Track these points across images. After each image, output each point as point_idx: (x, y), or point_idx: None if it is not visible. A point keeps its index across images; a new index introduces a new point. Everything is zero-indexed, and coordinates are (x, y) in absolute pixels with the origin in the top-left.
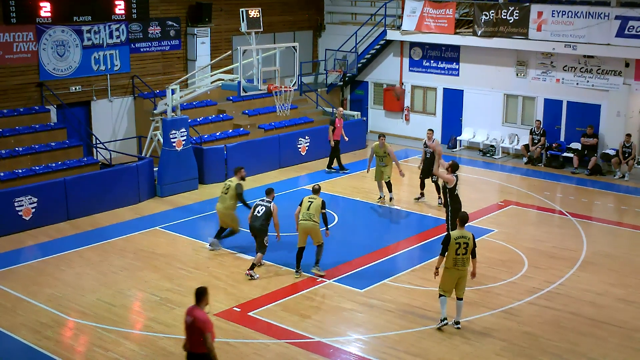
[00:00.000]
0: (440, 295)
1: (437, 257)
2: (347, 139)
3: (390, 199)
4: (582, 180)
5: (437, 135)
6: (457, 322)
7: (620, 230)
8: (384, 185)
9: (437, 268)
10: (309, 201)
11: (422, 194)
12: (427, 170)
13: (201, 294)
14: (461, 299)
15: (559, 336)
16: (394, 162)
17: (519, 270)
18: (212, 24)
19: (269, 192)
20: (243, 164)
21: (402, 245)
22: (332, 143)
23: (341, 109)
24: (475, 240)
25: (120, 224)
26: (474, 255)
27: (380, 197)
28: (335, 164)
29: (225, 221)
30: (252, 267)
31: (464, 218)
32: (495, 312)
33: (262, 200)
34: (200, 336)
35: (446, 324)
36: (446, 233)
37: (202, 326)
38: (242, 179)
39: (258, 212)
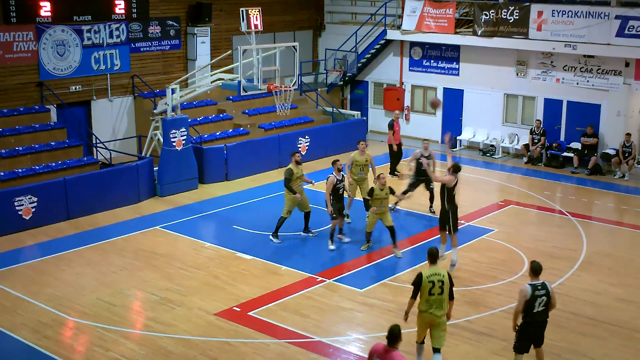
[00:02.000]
0: (417, 342)
1: (408, 300)
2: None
3: (347, 216)
4: (582, 180)
5: (437, 135)
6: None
7: (621, 230)
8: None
9: (406, 313)
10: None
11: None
12: (417, 182)
13: (397, 336)
14: (438, 352)
15: (559, 336)
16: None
17: (519, 270)
18: (212, 23)
19: (333, 162)
20: (243, 164)
21: (402, 245)
22: (395, 147)
23: (397, 111)
24: (452, 279)
25: (120, 223)
26: (451, 297)
27: (347, 216)
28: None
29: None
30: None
31: (434, 255)
32: (495, 312)
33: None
34: None
35: None
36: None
37: None
38: (297, 163)
39: None
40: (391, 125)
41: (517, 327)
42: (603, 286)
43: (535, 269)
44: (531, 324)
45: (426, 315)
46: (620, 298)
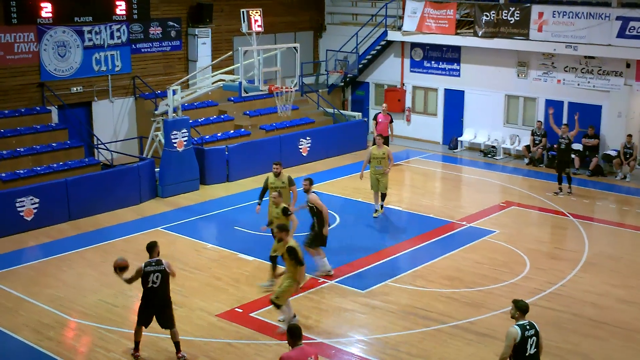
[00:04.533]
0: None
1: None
2: None
3: (381, 207)
4: (584, 181)
5: (439, 137)
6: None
7: (622, 231)
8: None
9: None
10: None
11: None
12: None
13: (301, 331)
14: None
15: (561, 337)
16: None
17: (521, 271)
18: (213, 24)
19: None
20: (244, 165)
21: (403, 246)
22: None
23: (384, 105)
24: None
25: (122, 224)
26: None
27: (377, 211)
28: None
29: None
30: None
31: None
32: (497, 314)
33: None
34: None
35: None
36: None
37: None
38: (275, 174)
39: None
40: (375, 118)
41: None
42: (605, 287)
43: (523, 308)
44: None
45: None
46: (621, 299)
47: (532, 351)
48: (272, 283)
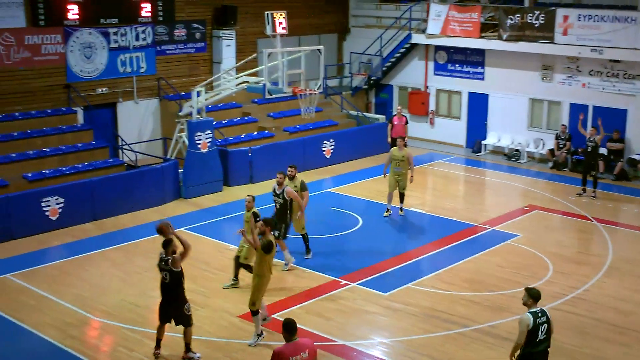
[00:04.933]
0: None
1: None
2: None
3: (401, 209)
4: (608, 185)
5: (462, 140)
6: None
7: None
8: (397, 196)
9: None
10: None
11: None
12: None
13: (295, 325)
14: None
15: (583, 342)
16: (409, 169)
17: (544, 275)
18: (238, 26)
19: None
20: (267, 166)
21: (426, 249)
22: (389, 140)
23: (399, 107)
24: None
25: (145, 225)
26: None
27: (388, 210)
28: None
29: None
30: None
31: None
32: (519, 318)
33: None
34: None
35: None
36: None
37: (316, 347)
38: (290, 178)
39: None
40: (390, 120)
41: (517, 359)
42: (628, 293)
43: (535, 295)
44: (533, 354)
45: None
46: None
47: (542, 337)
48: (235, 282)
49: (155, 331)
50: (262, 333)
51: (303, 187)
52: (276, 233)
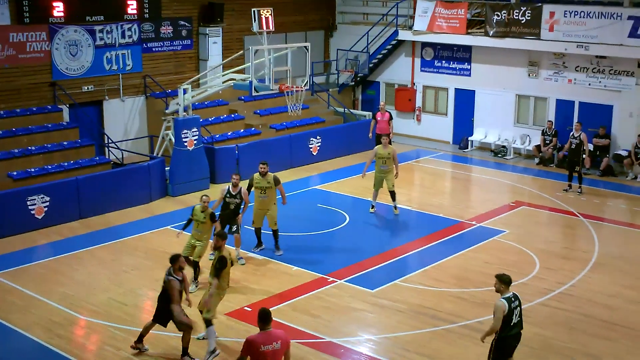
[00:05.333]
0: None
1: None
2: None
3: (395, 207)
4: (594, 181)
5: (449, 136)
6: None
7: (633, 231)
8: (386, 195)
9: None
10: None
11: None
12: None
13: (270, 315)
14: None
15: (571, 338)
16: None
17: (531, 271)
18: (224, 23)
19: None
20: (254, 164)
21: (413, 246)
22: (370, 135)
23: (382, 103)
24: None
25: (132, 223)
26: (214, 275)
27: (373, 207)
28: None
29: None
30: None
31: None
32: None
33: None
34: (288, 351)
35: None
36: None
37: (289, 338)
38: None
39: None
40: (374, 117)
41: (492, 344)
42: (615, 288)
43: (507, 281)
44: (508, 337)
45: None
46: (632, 300)
47: (516, 320)
48: (196, 285)
49: (141, 329)
50: (215, 350)
51: (277, 181)
52: (234, 228)
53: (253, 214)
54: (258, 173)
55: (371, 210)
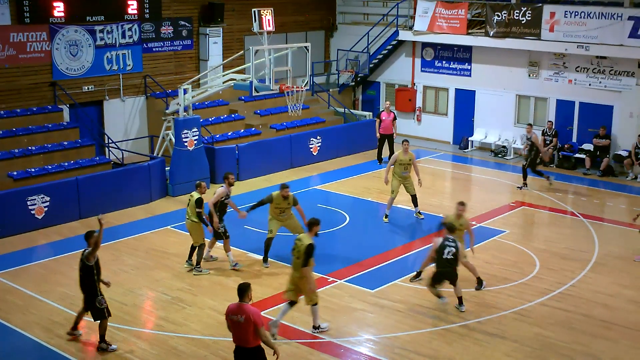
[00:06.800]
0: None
1: None
2: None
3: (419, 212)
4: (594, 181)
5: (449, 136)
6: (315, 327)
7: (633, 231)
8: (410, 200)
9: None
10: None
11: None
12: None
13: (245, 290)
14: (292, 304)
15: (571, 338)
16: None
17: (531, 271)
18: (224, 24)
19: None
20: (254, 164)
21: (413, 246)
22: (378, 135)
23: (387, 102)
24: (309, 251)
25: (132, 223)
26: (304, 264)
27: (387, 217)
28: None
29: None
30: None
31: (311, 223)
32: (507, 313)
33: None
34: (255, 331)
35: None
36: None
37: (258, 320)
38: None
39: None
40: (378, 115)
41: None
42: (615, 288)
43: (449, 226)
44: (442, 274)
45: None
46: (632, 300)
47: (449, 257)
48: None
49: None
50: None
51: (295, 202)
52: (222, 228)
53: (273, 225)
54: (279, 194)
55: (385, 220)
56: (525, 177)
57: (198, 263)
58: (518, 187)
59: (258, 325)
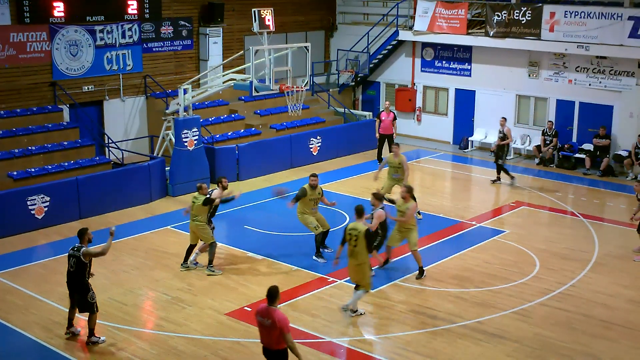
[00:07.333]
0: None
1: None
2: None
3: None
4: (594, 181)
5: (449, 136)
6: (346, 309)
7: (633, 231)
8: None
9: (336, 258)
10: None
11: None
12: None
13: (274, 294)
14: (357, 288)
15: (571, 338)
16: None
17: (531, 271)
18: (224, 23)
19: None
20: (254, 164)
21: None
22: (377, 135)
23: (387, 102)
24: (369, 236)
25: (132, 223)
26: (369, 250)
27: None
28: None
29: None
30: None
31: (359, 210)
32: (507, 314)
33: None
34: (281, 335)
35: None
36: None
37: (285, 327)
38: (312, 186)
39: None
40: (378, 116)
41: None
42: (615, 288)
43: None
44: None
45: (349, 260)
46: (632, 300)
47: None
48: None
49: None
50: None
51: (322, 192)
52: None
53: (311, 223)
54: (309, 185)
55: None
56: (499, 172)
57: (210, 262)
58: (493, 180)
59: (284, 331)
